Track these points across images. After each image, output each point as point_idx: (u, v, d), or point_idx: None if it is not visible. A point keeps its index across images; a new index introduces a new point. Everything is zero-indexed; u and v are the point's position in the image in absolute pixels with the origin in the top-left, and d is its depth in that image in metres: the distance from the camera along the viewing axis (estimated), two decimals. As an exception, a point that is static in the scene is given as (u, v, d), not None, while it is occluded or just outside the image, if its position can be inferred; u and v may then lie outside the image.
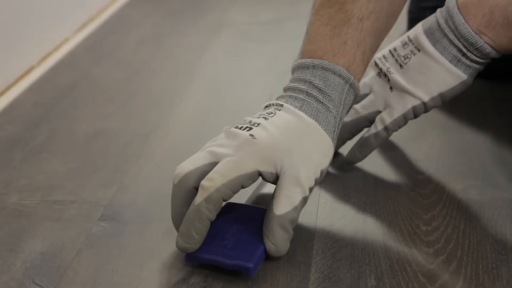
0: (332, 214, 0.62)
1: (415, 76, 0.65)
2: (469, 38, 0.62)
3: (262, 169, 0.54)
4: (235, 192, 0.54)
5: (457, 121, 0.81)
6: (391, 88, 0.66)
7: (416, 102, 0.65)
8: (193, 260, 0.55)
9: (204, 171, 0.54)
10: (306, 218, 0.61)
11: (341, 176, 0.68)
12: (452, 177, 0.69)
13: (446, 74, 0.64)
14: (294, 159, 0.54)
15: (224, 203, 0.54)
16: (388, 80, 0.66)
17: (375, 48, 0.63)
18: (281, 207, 0.54)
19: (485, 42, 0.61)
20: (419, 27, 0.65)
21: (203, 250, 0.54)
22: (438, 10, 0.65)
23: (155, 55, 1.06)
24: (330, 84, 0.58)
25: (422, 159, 0.72)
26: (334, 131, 0.58)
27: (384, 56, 0.67)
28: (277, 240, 0.54)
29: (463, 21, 0.61)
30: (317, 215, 0.62)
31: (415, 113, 0.66)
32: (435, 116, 0.80)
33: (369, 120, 0.68)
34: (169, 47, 1.10)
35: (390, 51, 0.67)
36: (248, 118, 0.58)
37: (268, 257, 0.55)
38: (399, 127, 0.66)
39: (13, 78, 0.95)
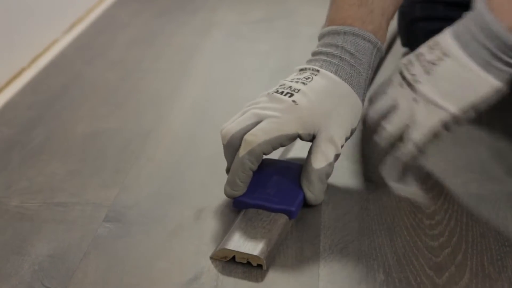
0: (336, 211, 0.63)
1: (443, 85, 0.60)
2: (502, 36, 0.57)
3: (301, 131, 0.61)
4: (274, 148, 0.61)
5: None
6: (415, 99, 0.61)
7: (445, 116, 0.61)
8: (241, 206, 0.61)
9: (248, 131, 0.61)
10: (311, 215, 0.62)
11: (344, 174, 0.68)
12: (451, 171, 0.70)
13: (477, 82, 0.59)
14: (330, 121, 0.61)
15: (264, 156, 0.61)
16: (414, 90, 0.61)
17: (393, 15, 0.68)
18: (319, 162, 0.61)
19: None
20: (446, 31, 0.62)
21: (249, 197, 0.61)
22: (465, 13, 0.61)
23: (147, 55, 1.06)
24: (360, 49, 0.64)
25: (420, 154, 0.73)
26: (364, 93, 0.65)
27: (410, 61, 0.63)
28: (316, 190, 0.62)
29: (494, 19, 0.58)
30: (322, 212, 0.63)
31: (446, 127, 0.62)
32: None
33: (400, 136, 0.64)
34: (160, 46, 1.10)
35: (416, 56, 0.63)
36: (286, 83, 0.64)
37: (305, 204, 0.62)
38: (431, 142, 0.62)
39: (4, 81, 0.94)
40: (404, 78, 0.62)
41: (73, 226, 0.62)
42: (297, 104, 0.60)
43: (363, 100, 0.65)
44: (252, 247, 0.56)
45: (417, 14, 0.93)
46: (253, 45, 1.09)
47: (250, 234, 0.57)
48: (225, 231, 0.60)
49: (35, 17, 1.06)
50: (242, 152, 0.60)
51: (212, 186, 0.68)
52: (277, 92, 0.62)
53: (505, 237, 0.59)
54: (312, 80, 0.62)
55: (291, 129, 0.60)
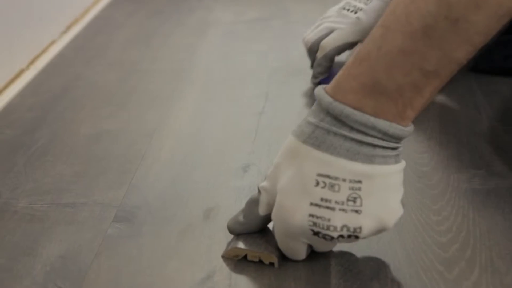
0: (345, 208, 0.63)
1: None
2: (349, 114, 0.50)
3: (363, 39, 0.69)
4: (342, 51, 0.84)
5: (451, 114, 0.83)
6: None
7: None
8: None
9: (323, 39, 0.85)
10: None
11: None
12: (455, 167, 0.70)
13: None
14: None
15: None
16: None
17: None
18: None
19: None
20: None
21: None
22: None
23: (145, 56, 1.06)
24: None
25: (424, 150, 0.73)
26: None
27: None
28: None
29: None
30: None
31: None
32: (431, 109, 0.82)
33: None
34: (157, 47, 1.10)
35: None
36: (351, 1, 0.85)
37: None
38: None
39: (4, 82, 0.94)
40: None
41: (83, 227, 0.62)
42: (359, 19, 0.82)
43: None
44: (263, 245, 0.56)
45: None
46: (250, 45, 1.09)
47: (261, 232, 0.58)
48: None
49: (33, 18, 1.06)
50: (319, 54, 0.85)
51: (219, 185, 0.68)
52: (344, 9, 0.85)
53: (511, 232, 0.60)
54: (372, 1, 0.83)
55: (354, 38, 0.82)
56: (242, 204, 0.64)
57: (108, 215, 0.63)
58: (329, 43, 0.84)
